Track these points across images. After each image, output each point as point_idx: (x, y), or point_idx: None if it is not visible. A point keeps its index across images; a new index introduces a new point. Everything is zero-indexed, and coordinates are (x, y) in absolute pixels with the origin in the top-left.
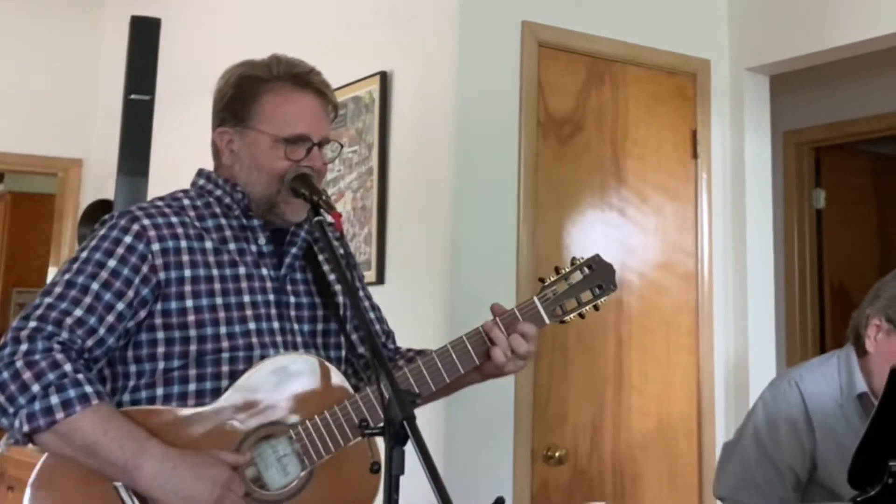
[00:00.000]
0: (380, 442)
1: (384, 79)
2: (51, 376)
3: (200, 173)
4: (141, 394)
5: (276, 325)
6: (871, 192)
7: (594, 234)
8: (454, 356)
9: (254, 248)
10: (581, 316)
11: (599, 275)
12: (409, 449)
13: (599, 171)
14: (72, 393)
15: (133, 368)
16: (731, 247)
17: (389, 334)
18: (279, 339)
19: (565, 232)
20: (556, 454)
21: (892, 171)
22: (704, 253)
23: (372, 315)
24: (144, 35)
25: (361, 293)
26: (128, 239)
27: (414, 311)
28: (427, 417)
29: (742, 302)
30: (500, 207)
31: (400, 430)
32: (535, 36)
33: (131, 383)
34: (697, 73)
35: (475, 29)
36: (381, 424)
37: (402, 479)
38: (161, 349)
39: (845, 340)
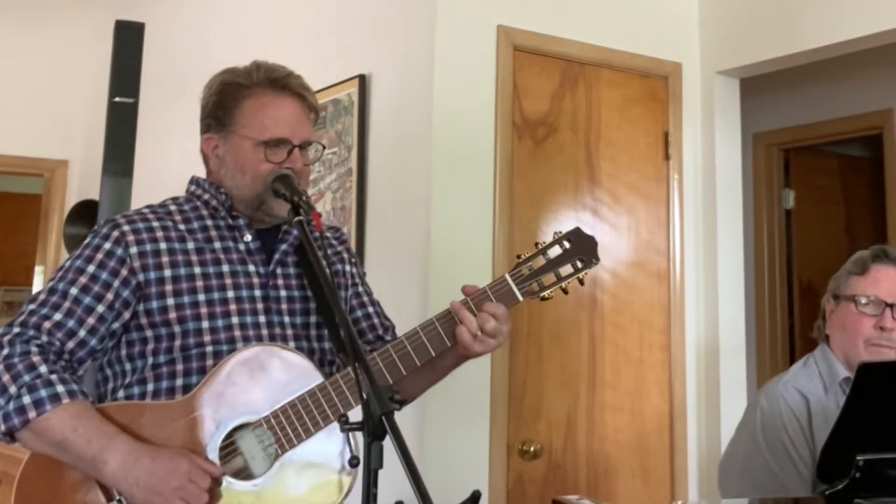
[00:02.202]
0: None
1: (363, 82)
2: (26, 377)
3: (192, 180)
4: (133, 389)
5: (262, 318)
6: (839, 192)
7: None
8: (424, 339)
9: (241, 246)
10: (564, 291)
11: (580, 248)
12: (388, 443)
13: (573, 172)
14: (43, 393)
15: (127, 366)
16: (702, 246)
17: (389, 328)
18: (265, 332)
19: (540, 231)
20: (532, 448)
21: (859, 172)
22: (676, 252)
23: (371, 310)
24: (129, 39)
25: (361, 288)
26: (107, 245)
27: (392, 309)
28: (405, 413)
29: (713, 300)
30: (476, 208)
31: (378, 426)
32: (511, 40)
33: (126, 380)
34: (669, 77)
35: (452, 33)
36: (361, 419)
37: (379, 472)
38: (150, 346)
39: (816, 340)
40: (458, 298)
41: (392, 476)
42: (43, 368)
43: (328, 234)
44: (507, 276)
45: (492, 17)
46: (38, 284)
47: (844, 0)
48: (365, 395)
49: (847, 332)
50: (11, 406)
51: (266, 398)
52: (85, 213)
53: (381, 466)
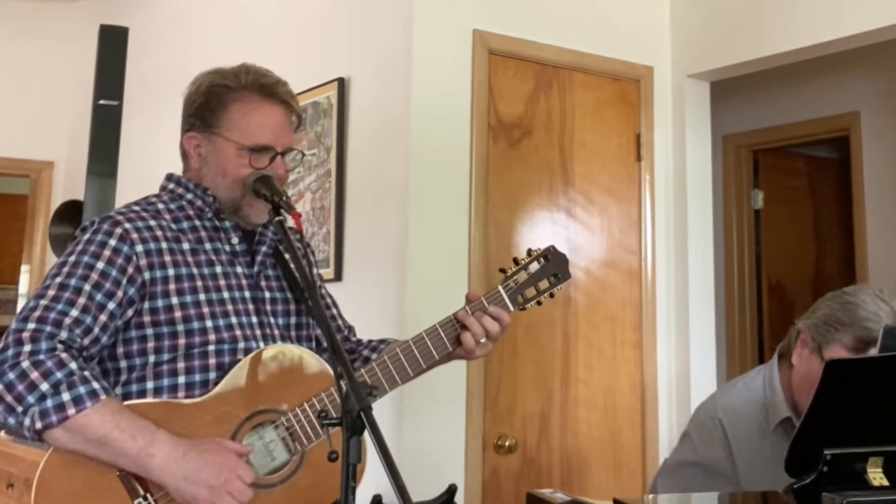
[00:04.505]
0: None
1: (342, 85)
2: (59, 375)
3: (170, 178)
4: (132, 387)
5: (254, 319)
6: (807, 193)
7: (543, 233)
8: (429, 343)
9: (228, 247)
10: (539, 303)
11: (554, 264)
12: (367, 438)
13: (548, 173)
14: (82, 390)
15: (124, 364)
16: (673, 245)
17: (351, 329)
18: (258, 332)
19: (515, 231)
20: (507, 443)
21: (826, 173)
22: (648, 251)
23: (334, 311)
24: (113, 43)
25: (323, 290)
26: (112, 242)
27: (370, 307)
28: (383, 409)
29: (683, 298)
30: (452, 208)
31: (357, 421)
32: (486, 44)
33: (122, 378)
34: (641, 80)
35: (428, 37)
36: (340, 415)
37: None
38: (151, 344)
39: (780, 346)
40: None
41: (371, 470)
42: (73, 365)
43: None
44: (501, 289)
45: (468, 21)
46: (24, 283)
47: (813, 5)
48: (344, 392)
49: (811, 392)
50: (49, 403)
51: (285, 397)
52: (70, 213)
53: (359, 461)
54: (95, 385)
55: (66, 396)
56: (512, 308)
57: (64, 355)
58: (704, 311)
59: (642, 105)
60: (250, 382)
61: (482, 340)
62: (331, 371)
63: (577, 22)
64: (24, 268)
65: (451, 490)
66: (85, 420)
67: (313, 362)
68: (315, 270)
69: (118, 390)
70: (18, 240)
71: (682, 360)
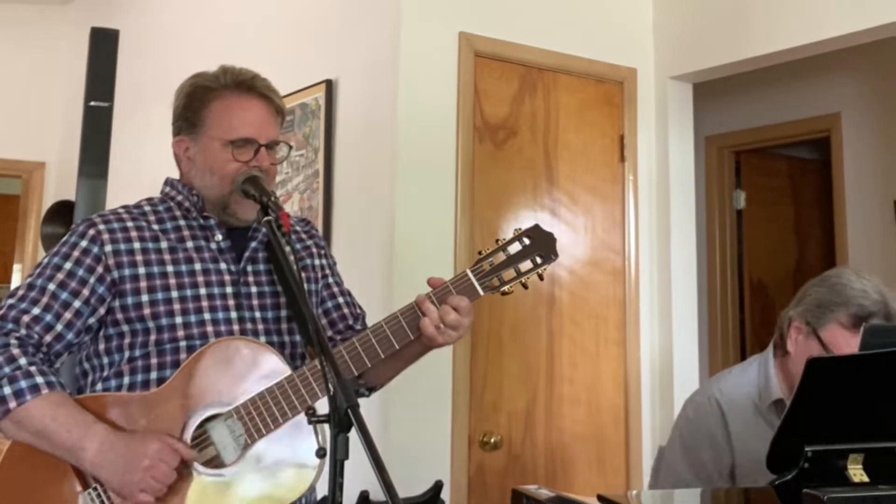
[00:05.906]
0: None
1: (329, 86)
2: (6, 369)
3: (166, 181)
4: (111, 382)
5: (233, 314)
6: (788, 193)
7: None
8: (388, 332)
9: (213, 245)
10: (524, 286)
11: (539, 244)
12: (353, 435)
13: (532, 174)
14: (23, 384)
15: (105, 360)
16: (656, 245)
17: (358, 317)
18: (236, 327)
19: (500, 230)
20: (492, 440)
21: (807, 174)
22: (631, 251)
23: (341, 300)
24: (104, 45)
25: (331, 279)
26: (83, 243)
27: None
28: (370, 406)
29: (667, 297)
30: (438, 207)
31: (344, 418)
32: (472, 46)
33: (105, 373)
34: (624, 82)
35: (415, 40)
36: (327, 412)
37: (345, 463)
38: (126, 340)
39: (769, 341)
40: (422, 294)
41: (358, 467)
42: (23, 360)
43: (297, 228)
44: (468, 272)
45: (454, 24)
46: (16, 281)
47: (794, 7)
48: (331, 389)
49: None
50: None
51: (237, 389)
52: (61, 213)
53: (347, 457)
54: (39, 379)
55: (7, 390)
56: (481, 291)
57: (16, 351)
58: (687, 310)
59: (626, 106)
60: (200, 375)
61: (440, 327)
62: (282, 363)
63: (562, 25)
64: (17, 267)
65: (437, 486)
66: (25, 413)
67: (264, 354)
68: (324, 261)
69: (100, 385)
70: (10, 239)
71: (665, 358)
